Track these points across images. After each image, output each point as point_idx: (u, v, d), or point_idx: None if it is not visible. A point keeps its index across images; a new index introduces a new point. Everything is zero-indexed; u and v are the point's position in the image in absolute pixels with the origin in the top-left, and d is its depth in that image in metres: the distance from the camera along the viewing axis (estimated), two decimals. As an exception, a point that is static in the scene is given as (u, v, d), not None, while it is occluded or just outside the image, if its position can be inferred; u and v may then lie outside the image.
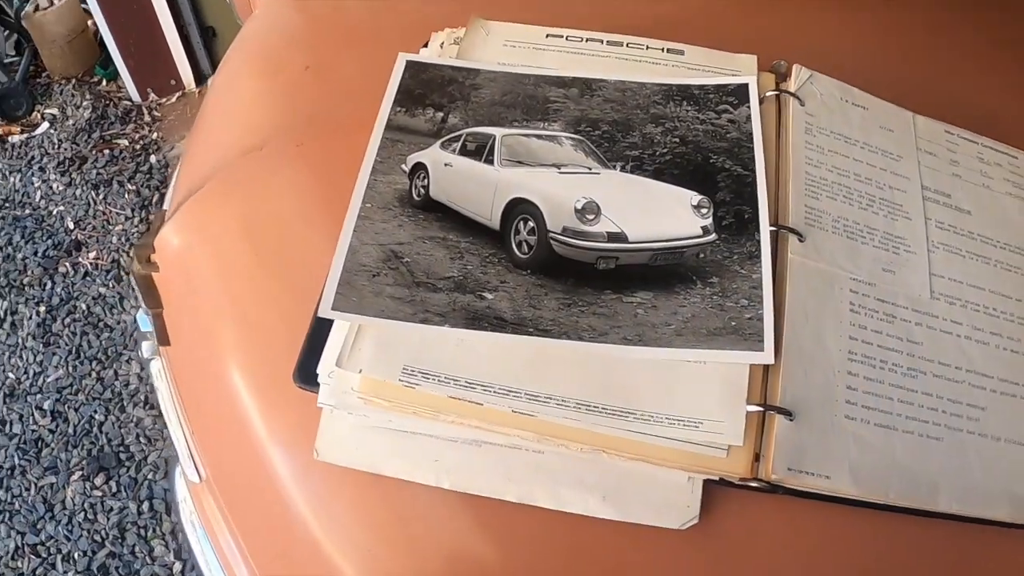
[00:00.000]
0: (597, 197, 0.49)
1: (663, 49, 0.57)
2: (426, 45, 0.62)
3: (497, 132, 0.52)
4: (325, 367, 0.47)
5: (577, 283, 0.47)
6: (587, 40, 0.58)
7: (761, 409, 0.43)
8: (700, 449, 0.42)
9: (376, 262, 0.48)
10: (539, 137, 0.52)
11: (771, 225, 0.48)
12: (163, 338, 0.67)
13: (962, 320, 0.49)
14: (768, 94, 0.54)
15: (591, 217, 0.48)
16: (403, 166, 0.52)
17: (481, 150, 0.52)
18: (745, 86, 0.53)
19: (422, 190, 0.51)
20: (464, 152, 0.52)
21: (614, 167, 0.51)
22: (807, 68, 0.55)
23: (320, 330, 0.49)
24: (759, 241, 0.47)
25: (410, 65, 0.58)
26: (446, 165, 0.52)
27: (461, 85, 0.56)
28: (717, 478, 0.43)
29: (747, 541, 0.43)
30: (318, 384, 0.47)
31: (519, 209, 0.49)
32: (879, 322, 0.47)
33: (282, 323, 0.54)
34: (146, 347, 0.73)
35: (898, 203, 0.52)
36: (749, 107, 0.52)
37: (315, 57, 0.71)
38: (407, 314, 0.46)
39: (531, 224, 0.48)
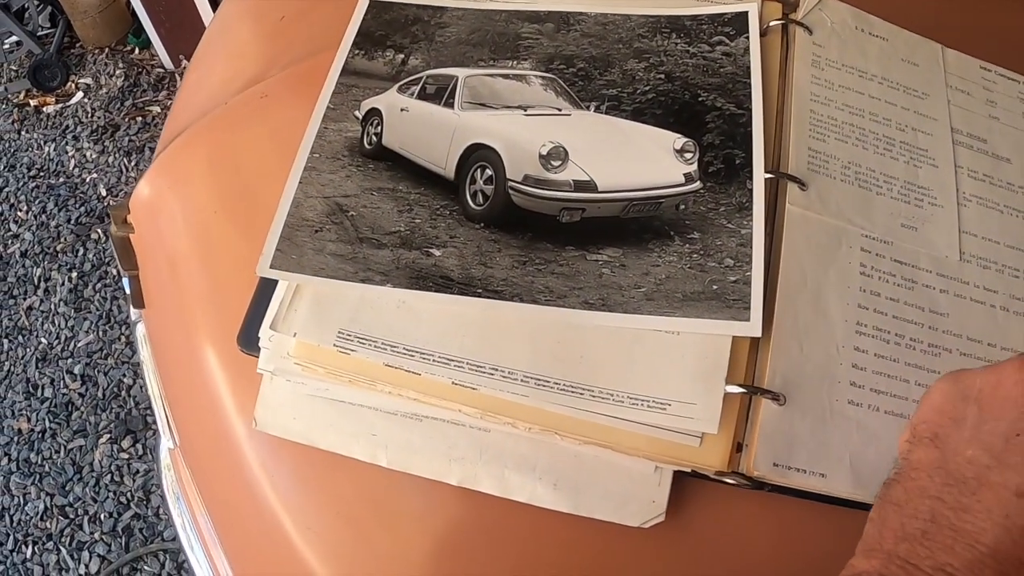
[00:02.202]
0: (565, 141, 0.43)
1: (654, -24, 0.50)
2: (398, -17, 0.56)
3: (460, 73, 0.47)
4: (265, 330, 0.43)
5: (535, 238, 0.41)
6: (568, -31, 0.51)
7: (744, 391, 0.37)
8: (668, 435, 0.36)
9: (320, 216, 0.44)
10: (505, 77, 0.47)
11: (767, 172, 0.41)
12: (138, 301, 0.65)
13: (997, 287, 0.41)
14: (772, 23, 0.46)
15: (557, 164, 0.42)
16: (356, 112, 0.47)
17: (441, 93, 0.46)
18: (744, 14, 0.46)
19: (374, 137, 0.46)
20: (423, 96, 0.47)
21: (587, 108, 0.45)
22: (820, -8, 0.47)
23: (266, 290, 0.45)
24: (751, 190, 0.41)
25: (373, 5, 0.52)
26: (402, 110, 0.47)
27: (426, 24, 0.50)
28: (689, 470, 0.37)
29: (723, 545, 0.37)
30: (260, 348, 0.44)
31: (477, 156, 0.43)
32: (895, 288, 0.40)
33: (247, 281, 0.51)
34: (133, 311, 0.72)
35: (922, 147, 0.44)
36: (748, 38, 0.45)
37: (291, 7, 0.67)
38: (347, 273, 0.41)
39: (489, 172, 0.43)
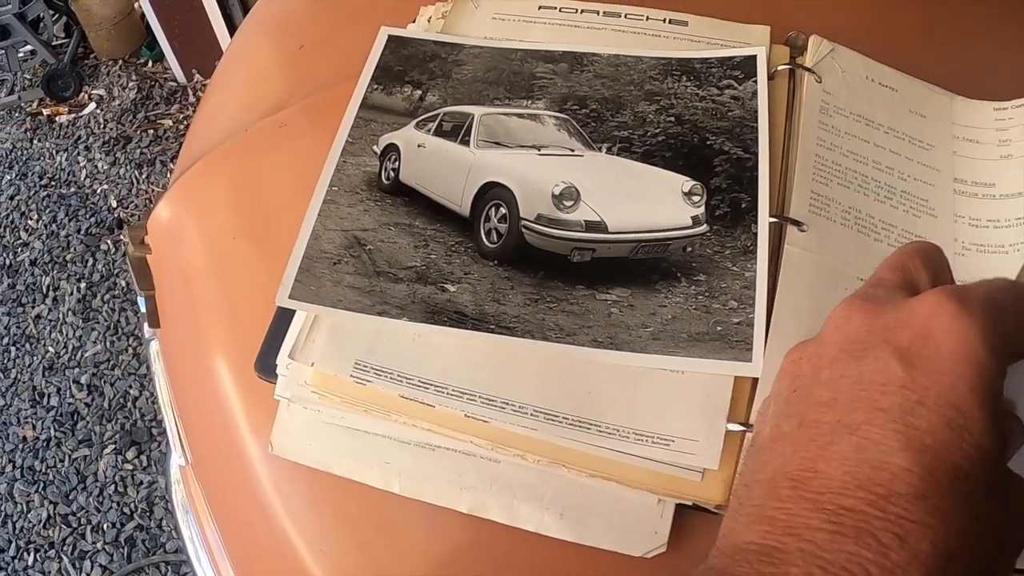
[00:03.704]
0: (577, 181, 0.44)
1: (665, 20, 0.51)
2: (416, 21, 0.58)
3: (476, 111, 0.48)
4: (283, 358, 0.45)
5: (547, 277, 0.42)
6: (582, 11, 0.53)
7: (744, 428, 0.38)
8: (671, 470, 0.37)
9: (338, 249, 0.45)
10: (520, 116, 0.48)
11: (772, 216, 0.43)
12: (153, 320, 0.67)
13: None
14: (780, 68, 0.48)
15: (569, 204, 0.44)
16: (375, 147, 0.49)
17: (458, 130, 0.48)
18: (753, 59, 0.48)
19: (392, 173, 0.48)
20: (439, 133, 0.49)
21: (599, 149, 0.46)
22: (829, 41, 0.49)
23: (284, 319, 0.47)
24: (755, 234, 0.42)
25: (391, 40, 0.54)
26: (419, 146, 0.48)
27: (443, 61, 0.52)
28: (690, 503, 0.38)
29: None
30: (277, 376, 0.45)
31: (492, 194, 0.45)
32: None
33: (263, 307, 0.52)
34: (147, 329, 0.73)
35: (923, 198, 0.45)
36: (756, 82, 0.47)
37: (310, 36, 0.69)
38: (365, 305, 0.43)
39: (503, 210, 0.44)
